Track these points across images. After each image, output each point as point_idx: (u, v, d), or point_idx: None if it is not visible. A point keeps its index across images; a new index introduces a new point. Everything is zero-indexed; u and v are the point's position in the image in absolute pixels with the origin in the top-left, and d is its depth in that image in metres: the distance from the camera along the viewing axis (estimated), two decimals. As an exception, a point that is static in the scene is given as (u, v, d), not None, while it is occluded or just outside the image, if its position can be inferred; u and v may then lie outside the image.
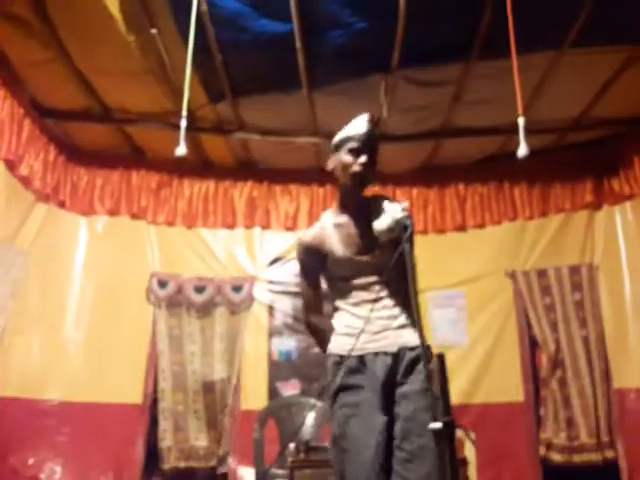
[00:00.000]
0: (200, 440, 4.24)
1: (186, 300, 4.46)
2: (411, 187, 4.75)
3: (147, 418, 4.24)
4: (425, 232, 4.67)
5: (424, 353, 1.67)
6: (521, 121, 2.67)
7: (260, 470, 3.35)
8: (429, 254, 4.58)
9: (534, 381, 4.32)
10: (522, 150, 2.59)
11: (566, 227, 4.48)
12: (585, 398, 4.15)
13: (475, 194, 4.64)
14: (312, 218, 4.74)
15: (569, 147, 4.48)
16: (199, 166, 4.71)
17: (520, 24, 2.85)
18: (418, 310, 1.76)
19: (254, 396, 4.29)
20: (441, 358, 1.61)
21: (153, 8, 3.10)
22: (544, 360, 4.24)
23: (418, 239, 4.86)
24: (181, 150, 2.58)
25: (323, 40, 3.28)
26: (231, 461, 4.18)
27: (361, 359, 1.84)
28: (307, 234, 2.02)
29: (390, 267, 1.83)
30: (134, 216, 4.58)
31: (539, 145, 4.33)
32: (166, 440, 4.19)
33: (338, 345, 1.90)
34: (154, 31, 3.23)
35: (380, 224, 1.83)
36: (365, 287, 1.92)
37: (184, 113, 2.68)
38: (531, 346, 4.37)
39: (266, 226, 4.73)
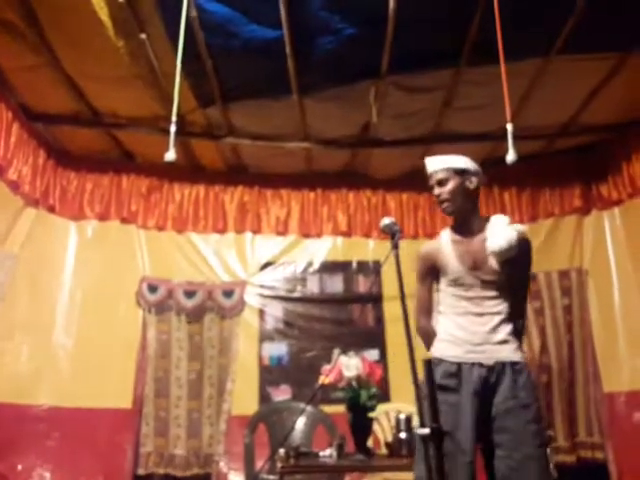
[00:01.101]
0: (178, 448, 4.21)
1: (176, 305, 4.46)
2: (401, 192, 4.78)
3: (136, 423, 4.21)
4: (416, 236, 4.70)
5: (525, 370, 1.96)
6: (509, 127, 2.70)
7: (250, 475, 3.34)
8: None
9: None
10: (510, 156, 2.62)
11: (555, 232, 4.52)
12: (568, 402, 4.18)
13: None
14: (303, 223, 4.76)
15: (558, 153, 4.52)
16: (189, 171, 4.71)
17: (508, 31, 2.87)
18: (522, 328, 2.08)
19: (245, 401, 4.28)
20: (428, 364, 1.62)
21: (143, 13, 3.09)
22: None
23: (408, 243, 4.92)
24: (170, 155, 2.58)
25: (313, 46, 3.28)
26: (222, 466, 4.17)
27: (459, 366, 2.02)
28: (426, 245, 2.27)
29: (499, 285, 2.04)
30: (124, 220, 4.57)
31: (528, 151, 4.37)
32: (147, 446, 4.17)
33: (438, 349, 2.09)
34: (143, 36, 3.23)
35: (492, 246, 2.02)
36: (472, 300, 2.08)
37: (174, 118, 2.68)
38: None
39: (257, 231, 4.73)
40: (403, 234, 4.84)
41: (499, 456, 1.92)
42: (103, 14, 3.05)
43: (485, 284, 2.05)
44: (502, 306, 2.05)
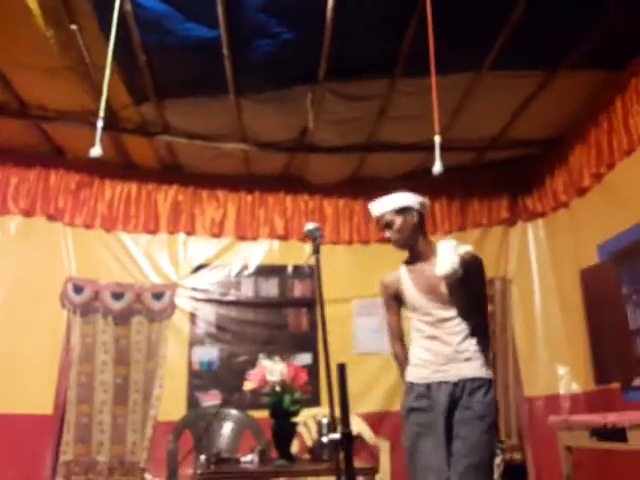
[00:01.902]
0: (101, 455, 4.07)
1: (103, 307, 4.30)
2: (338, 198, 4.82)
3: (58, 430, 4.04)
4: (350, 242, 4.76)
5: (485, 385, 2.12)
6: (437, 139, 2.77)
7: (172, 483, 3.26)
8: (354, 264, 4.68)
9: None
10: (437, 167, 2.68)
11: (482, 241, 4.68)
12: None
13: (399, 207, 4.77)
14: (240, 225, 4.71)
15: (487, 166, 4.70)
16: (122, 168, 4.57)
17: (442, 44, 2.96)
18: (488, 342, 2.19)
19: (173, 407, 4.18)
20: (342, 369, 1.63)
21: (74, 3, 2.98)
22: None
23: (343, 249, 4.95)
24: (96, 151, 2.49)
25: (250, 48, 3.27)
26: (147, 475, 4.05)
27: (428, 387, 2.18)
28: (387, 276, 2.40)
29: (456, 305, 2.17)
30: (50, 217, 4.38)
31: (459, 162, 4.53)
32: (67, 453, 4.01)
33: (410, 374, 2.26)
34: (74, 27, 3.12)
35: (439, 271, 2.13)
36: (434, 323, 2.22)
37: (101, 113, 2.60)
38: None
39: (191, 232, 4.64)
40: (339, 240, 4.90)
41: (452, 462, 2.06)
42: (31, 2, 2.92)
43: (443, 306, 2.20)
44: (463, 325, 2.18)
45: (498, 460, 2.10)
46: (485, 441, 2.07)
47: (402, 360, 2.34)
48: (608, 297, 3.74)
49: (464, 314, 2.18)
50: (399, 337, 2.38)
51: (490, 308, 4.48)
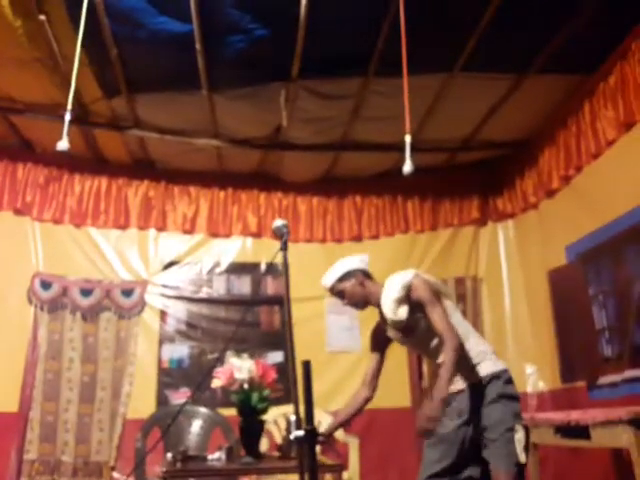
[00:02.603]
0: (66, 455, 4.01)
1: (71, 303, 4.24)
2: (312, 196, 4.82)
3: (23, 428, 3.96)
4: (324, 241, 4.77)
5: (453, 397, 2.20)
6: (408, 139, 2.79)
7: (139, 481, 3.23)
8: (327, 262, 4.61)
9: (420, 387, 4.51)
10: (407, 167, 2.70)
11: (453, 241, 4.75)
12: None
13: (371, 206, 4.80)
14: (212, 222, 4.68)
15: (459, 166, 4.75)
16: (92, 162, 4.51)
17: (414, 45, 2.98)
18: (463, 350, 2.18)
19: (142, 405, 4.13)
20: (306, 366, 1.62)
21: (42, -8, 2.93)
22: (425, 369, 4.42)
23: (317, 248, 4.95)
24: (63, 144, 2.46)
25: (223, 44, 3.25)
26: (114, 473, 4.01)
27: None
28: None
29: (420, 332, 2.25)
30: (17, 212, 4.30)
31: (431, 163, 4.57)
32: (30, 452, 3.94)
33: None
34: (43, 17, 3.05)
35: (387, 318, 2.26)
36: (422, 353, 2.47)
37: (69, 106, 2.56)
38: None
39: (162, 228, 4.59)
40: (312, 238, 4.90)
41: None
42: (-1, -10, 2.86)
43: (413, 341, 2.33)
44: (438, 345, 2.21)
45: (518, 435, 2.06)
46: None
47: (352, 398, 2.44)
48: (575, 297, 3.82)
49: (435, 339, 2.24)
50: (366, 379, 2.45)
51: (461, 306, 4.55)
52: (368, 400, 2.43)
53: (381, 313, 2.33)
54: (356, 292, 2.32)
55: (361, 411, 2.43)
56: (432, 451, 2.23)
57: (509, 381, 2.21)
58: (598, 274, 3.67)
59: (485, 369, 2.20)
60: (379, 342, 2.45)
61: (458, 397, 2.24)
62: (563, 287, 3.98)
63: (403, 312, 2.20)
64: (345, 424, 2.47)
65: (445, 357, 2.09)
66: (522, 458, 2.06)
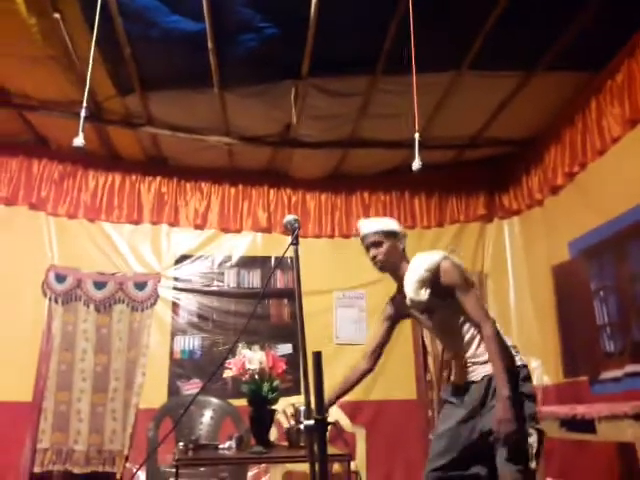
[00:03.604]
0: (79, 443, 4.10)
1: (84, 295, 4.33)
2: (321, 192, 4.89)
3: (37, 418, 4.06)
4: (332, 236, 4.84)
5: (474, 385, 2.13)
6: (416, 136, 2.84)
7: (151, 469, 3.31)
8: (335, 257, 4.76)
9: (425, 380, 4.58)
10: (416, 164, 2.76)
11: (460, 237, 4.80)
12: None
13: (379, 202, 4.86)
14: (223, 218, 4.76)
15: (466, 163, 4.79)
16: (106, 158, 4.59)
17: (422, 43, 3.03)
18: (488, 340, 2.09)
19: (154, 395, 4.22)
20: (317, 356, 1.65)
21: (57, -9, 2.99)
22: (430, 362, 4.48)
23: (325, 243, 5.02)
24: (79, 141, 2.51)
25: (235, 42, 3.30)
26: (129, 461, 4.10)
27: (455, 386, 2.28)
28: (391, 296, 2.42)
29: (442, 316, 2.18)
30: (32, 206, 4.39)
31: (438, 160, 4.62)
32: (44, 442, 4.03)
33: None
34: (57, 16, 3.12)
35: (407, 301, 2.17)
36: (435, 336, 2.34)
37: (84, 103, 2.62)
38: (424, 346, 4.61)
39: (174, 223, 4.68)
40: (321, 233, 4.96)
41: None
42: (14, -11, 2.93)
43: (430, 321, 2.24)
44: (458, 335, 2.16)
45: (531, 439, 1.93)
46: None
47: (351, 371, 2.41)
48: (578, 293, 3.86)
49: (454, 323, 2.17)
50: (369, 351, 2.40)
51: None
52: (367, 372, 2.38)
53: (400, 288, 2.26)
54: (392, 254, 2.23)
55: (357, 384, 2.39)
56: (437, 444, 2.17)
57: (527, 378, 2.11)
58: (600, 270, 3.71)
59: (487, 368, 2.10)
60: (393, 314, 2.37)
61: (471, 389, 2.15)
62: (566, 283, 4.01)
63: (425, 294, 2.10)
64: (340, 398, 2.41)
65: (488, 349, 2.04)
66: (532, 464, 1.95)
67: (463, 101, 3.85)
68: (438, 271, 2.12)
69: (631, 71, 3.27)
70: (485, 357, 2.10)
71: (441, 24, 3.17)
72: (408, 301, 2.16)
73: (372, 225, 2.28)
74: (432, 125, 4.07)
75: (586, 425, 2.78)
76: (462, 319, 2.15)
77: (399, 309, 2.34)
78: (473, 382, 2.14)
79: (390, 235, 2.25)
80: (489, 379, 2.07)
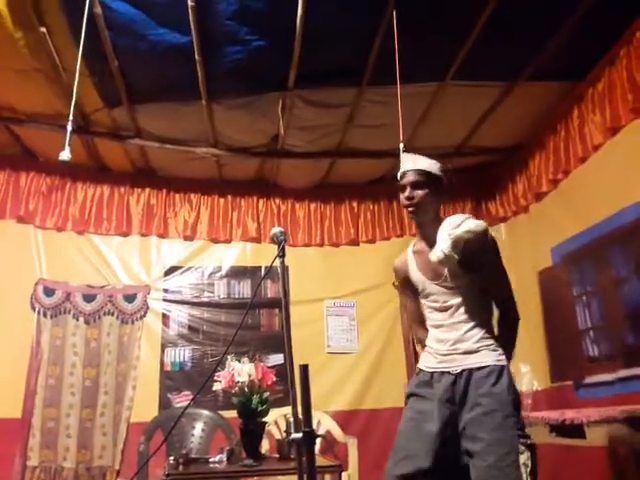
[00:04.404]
0: (67, 461, 4.05)
1: (74, 308, 4.31)
2: (309, 202, 4.92)
3: (26, 434, 4.02)
4: (321, 245, 4.86)
5: (494, 374, 1.87)
6: (401, 146, 2.89)
7: (143, 483, 3.29)
8: (325, 266, 4.79)
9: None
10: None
11: (449, 244, 4.81)
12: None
13: (367, 211, 4.90)
14: (212, 228, 4.76)
15: (452, 171, 4.80)
16: (94, 171, 4.58)
17: (407, 55, 3.08)
18: (510, 329, 1.99)
19: (145, 408, 4.20)
20: (304, 369, 1.66)
21: (43, 5, 2.98)
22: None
23: (315, 251, 5.04)
24: (65, 154, 2.52)
25: (221, 55, 3.32)
26: (119, 476, 4.06)
27: (431, 375, 2.01)
28: (397, 259, 2.18)
29: (465, 291, 1.95)
30: (20, 219, 4.37)
31: (425, 168, 4.63)
32: (32, 459, 3.99)
33: (421, 360, 2.10)
34: (43, 29, 3.12)
35: (432, 257, 1.93)
36: (442, 310, 2.02)
37: (71, 116, 2.63)
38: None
39: (163, 234, 4.68)
40: (310, 242, 4.97)
41: (471, 465, 1.85)
42: (0, 3, 2.93)
43: (450, 292, 1.98)
44: (470, 312, 1.96)
45: (524, 458, 1.75)
46: (501, 438, 1.80)
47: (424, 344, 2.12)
48: (561, 298, 3.90)
49: (473, 301, 1.96)
50: (418, 320, 2.15)
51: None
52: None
53: (421, 244, 2.05)
54: (430, 203, 2.00)
55: None
56: (406, 442, 1.93)
57: (512, 382, 1.92)
58: (582, 275, 3.76)
59: (497, 356, 1.91)
60: (410, 287, 2.11)
61: (454, 380, 1.93)
62: (550, 288, 4.06)
63: (454, 252, 1.86)
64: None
65: (511, 334, 1.97)
66: None
67: (448, 111, 3.89)
68: (484, 236, 1.90)
69: (612, 80, 3.33)
70: (473, 344, 1.93)
71: (425, 36, 3.21)
72: (437, 257, 1.89)
73: (418, 161, 2.04)
74: (418, 134, 4.11)
75: (576, 430, 2.78)
76: (462, 299, 1.96)
77: (407, 272, 2.09)
78: (449, 373, 1.95)
79: (435, 180, 2.02)
80: (471, 371, 1.91)
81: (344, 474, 3.30)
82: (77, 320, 4.30)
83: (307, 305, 4.59)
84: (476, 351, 1.94)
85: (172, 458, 2.59)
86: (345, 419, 4.29)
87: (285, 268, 1.80)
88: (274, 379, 2.71)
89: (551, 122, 3.97)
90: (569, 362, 3.82)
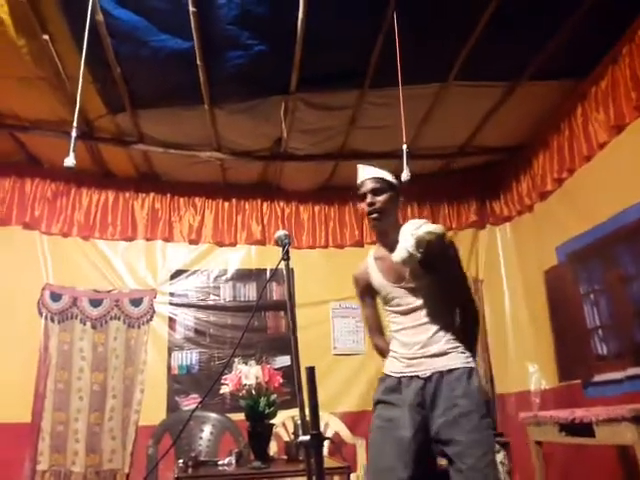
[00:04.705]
0: (76, 465, 4.06)
1: (80, 313, 4.33)
2: (313, 204, 4.93)
3: (36, 439, 4.04)
4: (326, 246, 4.87)
5: (465, 375, 1.91)
6: (404, 148, 2.90)
7: (152, 487, 3.31)
8: (330, 267, 4.78)
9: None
10: (405, 175, 2.81)
11: (453, 244, 4.82)
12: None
13: (371, 212, 4.89)
14: (217, 232, 4.78)
15: (456, 172, 4.84)
16: (99, 176, 4.61)
17: (408, 57, 3.08)
18: (472, 327, 2.03)
19: (153, 411, 4.22)
20: (310, 371, 1.66)
21: (45, 13, 3.00)
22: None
23: (319, 253, 5.04)
24: (70, 161, 2.53)
25: (223, 59, 3.33)
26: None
27: (399, 381, 2.00)
28: (357, 268, 2.21)
29: (428, 293, 1.99)
30: (26, 226, 4.40)
31: (429, 169, 4.67)
32: (42, 463, 4.00)
33: (386, 366, 2.10)
34: (46, 37, 3.14)
35: (395, 257, 1.96)
36: (406, 314, 2.04)
37: (75, 123, 2.64)
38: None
39: (168, 238, 4.70)
40: (315, 244, 4.97)
41: (451, 469, 1.86)
42: (2, 11, 2.95)
43: (412, 294, 2.01)
44: (435, 315, 2.00)
45: (501, 457, 1.75)
46: (478, 439, 1.84)
47: (384, 352, 2.15)
48: (568, 297, 3.89)
49: (436, 302, 2.00)
50: (377, 329, 2.21)
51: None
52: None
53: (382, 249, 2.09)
54: (390, 208, 2.06)
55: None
56: (380, 454, 1.92)
57: (481, 383, 1.96)
58: (587, 274, 3.75)
59: (465, 359, 1.96)
60: (370, 295, 2.16)
61: (423, 384, 1.93)
62: (557, 287, 4.05)
63: (417, 252, 1.90)
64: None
65: (473, 329, 2.00)
66: None
67: (451, 111, 3.88)
68: (443, 237, 1.97)
69: (615, 78, 3.33)
70: (441, 347, 1.95)
71: (426, 37, 3.21)
72: (401, 256, 1.93)
73: (373, 170, 2.10)
74: (421, 135, 4.11)
75: (585, 429, 2.77)
76: (424, 301, 2.00)
77: (368, 278, 2.12)
78: (418, 377, 1.95)
79: (392, 186, 2.08)
80: (441, 374, 1.93)
81: (352, 475, 3.30)
82: (84, 325, 4.33)
83: (313, 307, 4.59)
84: (445, 353, 1.96)
85: (181, 461, 2.61)
86: (353, 420, 4.29)
87: (290, 270, 1.81)
88: (281, 381, 2.72)
89: (555, 121, 3.96)
90: (577, 361, 3.81)
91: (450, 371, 1.93)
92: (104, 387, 4.24)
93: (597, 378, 3.58)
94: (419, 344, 1.98)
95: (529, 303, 4.41)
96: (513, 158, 4.53)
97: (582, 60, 3.49)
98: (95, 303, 4.38)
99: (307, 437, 1.59)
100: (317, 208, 4.91)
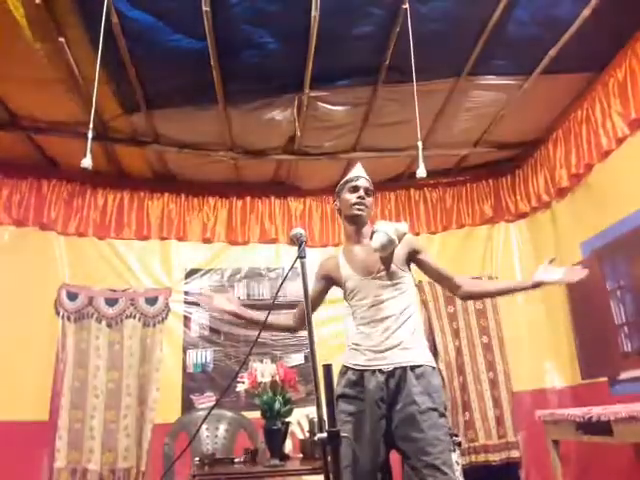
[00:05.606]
0: (92, 462, 4.08)
1: (96, 312, 4.37)
2: (326, 202, 4.91)
3: (53, 436, 4.08)
4: (339, 245, 4.83)
5: (427, 373, 1.95)
6: (419, 144, 2.87)
7: (169, 485, 3.33)
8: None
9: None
10: (420, 171, 2.79)
11: (468, 240, 4.80)
12: (484, 401, 4.40)
13: (385, 209, 4.88)
14: (231, 231, 4.79)
15: (471, 168, 4.81)
16: (114, 177, 4.64)
17: (422, 53, 3.06)
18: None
19: (168, 409, 4.24)
20: (328, 369, 1.65)
21: (62, 16, 3.03)
22: (442, 367, 4.43)
23: (332, 251, 5.01)
24: (87, 162, 2.55)
25: (237, 59, 3.34)
26: (144, 477, 4.11)
27: (361, 374, 2.02)
28: (326, 257, 2.34)
29: (395, 286, 2.06)
30: (43, 226, 4.44)
31: (443, 165, 4.63)
32: (59, 460, 4.03)
33: (346, 358, 2.11)
34: (62, 40, 3.17)
35: (374, 242, 2.05)
36: (372, 306, 2.08)
37: (91, 124, 2.66)
38: (435, 354, 4.59)
39: (183, 238, 4.72)
40: (327, 242, 4.97)
41: (405, 465, 1.89)
42: (19, 14, 2.97)
43: (383, 287, 2.07)
44: (402, 308, 2.04)
45: (455, 456, 1.87)
46: (435, 438, 1.87)
47: (281, 325, 2.33)
48: (593, 293, 3.81)
49: (403, 297, 2.07)
50: (301, 308, 2.27)
51: (479, 305, 4.58)
52: (292, 331, 2.34)
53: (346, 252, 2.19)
54: (370, 210, 2.22)
55: (275, 329, 2.33)
56: (349, 449, 1.91)
57: (442, 382, 2.03)
58: (614, 269, 3.68)
59: (429, 357, 2.02)
60: (331, 275, 2.24)
61: (386, 378, 1.97)
62: (580, 283, 3.96)
63: (396, 239, 2.05)
64: (252, 322, 2.35)
65: (485, 283, 2.12)
66: None
67: (465, 106, 3.86)
68: (412, 235, 2.18)
69: (633, 70, 3.27)
70: (404, 341, 1.99)
71: (440, 32, 3.19)
72: (380, 241, 2.02)
73: (366, 174, 2.26)
74: (435, 131, 4.08)
75: (603, 427, 2.74)
76: (394, 295, 2.06)
77: (335, 272, 2.21)
78: (380, 371, 1.99)
79: (373, 193, 2.27)
80: (403, 369, 1.97)
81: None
82: (100, 324, 4.36)
83: (327, 305, 4.57)
84: (409, 349, 2.00)
85: (198, 459, 2.62)
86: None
87: (302, 270, 1.80)
88: (296, 379, 2.72)
89: (571, 115, 3.91)
90: (603, 358, 3.74)
91: (413, 368, 1.96)
92: (119, 385, 4.27)
93: (624, 376, 3.51)
94: (383, 338, 2.01)
95: (546, 300, 4.36)
96: (529, 154, 4.49)
97: (599, 53, 3.45)
98: (111, 302, 4.42)
99: (324, 435, 1.59)
100: (330, 206, 4.90)
